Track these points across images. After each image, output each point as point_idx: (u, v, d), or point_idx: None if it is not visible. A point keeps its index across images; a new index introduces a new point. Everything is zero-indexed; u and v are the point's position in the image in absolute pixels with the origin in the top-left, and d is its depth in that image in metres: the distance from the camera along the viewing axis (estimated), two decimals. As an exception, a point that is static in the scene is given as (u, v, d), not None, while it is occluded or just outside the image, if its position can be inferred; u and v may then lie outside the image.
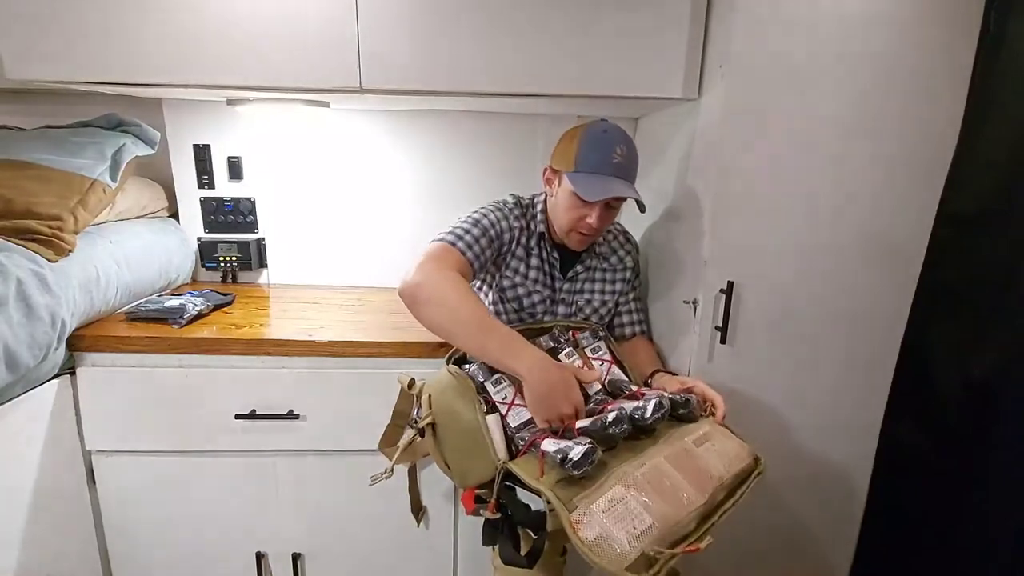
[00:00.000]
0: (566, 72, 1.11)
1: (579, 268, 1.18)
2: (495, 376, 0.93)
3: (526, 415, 0.89)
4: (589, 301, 1.19)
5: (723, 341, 1.07)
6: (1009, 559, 0.96)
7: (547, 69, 1.11)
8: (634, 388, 0.97)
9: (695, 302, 1.11)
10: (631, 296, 1.24)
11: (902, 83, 0.99)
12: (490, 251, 1.07)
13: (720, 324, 1.06)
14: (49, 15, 1.05)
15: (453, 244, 1.02)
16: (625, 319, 1.23)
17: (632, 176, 1.07)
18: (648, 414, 0.85)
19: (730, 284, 1.05)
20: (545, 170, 1.13)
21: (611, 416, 0.81)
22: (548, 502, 0.73)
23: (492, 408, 0.90)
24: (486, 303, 1.18)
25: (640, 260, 1.30)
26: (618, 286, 1.21)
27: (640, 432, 0.86)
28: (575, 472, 0.74)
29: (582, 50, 1.10)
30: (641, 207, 1.06)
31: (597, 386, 0.98)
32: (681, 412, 0.91)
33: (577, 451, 0.74)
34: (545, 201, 1.15)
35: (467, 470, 0.89)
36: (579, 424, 0.84)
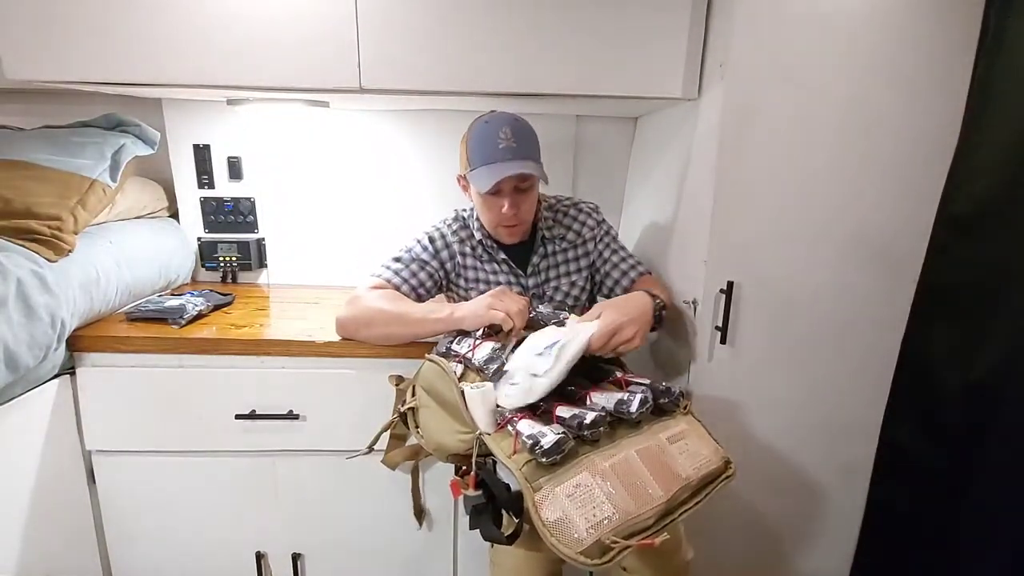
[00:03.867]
0: (566, 72, 1.11)
1: (535, 259, 1.18)
2: (457, 336, 1.02)
3: (489, 345, 0.95)
4: (557, 288, 1.20)
5: (723, 341, 1.07)
6: (1008, 560, 0.96)
7: (547, 69, 1.11)
8: (619, 374, 0.98)
9: (695, 302, 1.11)
10: (608, 254, 1.21)
11: (902, 83, 0.99)
12: (423, 273, 1.14)
13: (720, 324, 1.06)
14: (49, 15, 1.05)
15: (378, 276, 1.13)
16: (616, 275, 1.20)
17: (527, 153, 1.05)
18: (633, 409, 0.86)
19: (730, 284, 1.05)
20: (458, 180, 1.16)
21: (589, 417, 0.81)
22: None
23: (465, 370, 0.94)
24: None
25: (637, 252, 1.29)
26: (582, 262, 1.21)
27: (622, 422, 0.88)
28: (544, 460, 0.76)
29: (582, 50, 1.10)
30: (544, 179, 1.06)
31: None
32: (662, 401, 0.92)
33: (549, 439, 0.76)
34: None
35: (445, 441, 0.90)
36: (559, 412, 0.85)
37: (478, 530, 0.83)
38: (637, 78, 1.12)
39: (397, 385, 1.07)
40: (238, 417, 1.14)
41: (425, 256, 1.15)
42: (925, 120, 1.01)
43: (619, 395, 0.89)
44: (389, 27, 1.07)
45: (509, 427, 0.83)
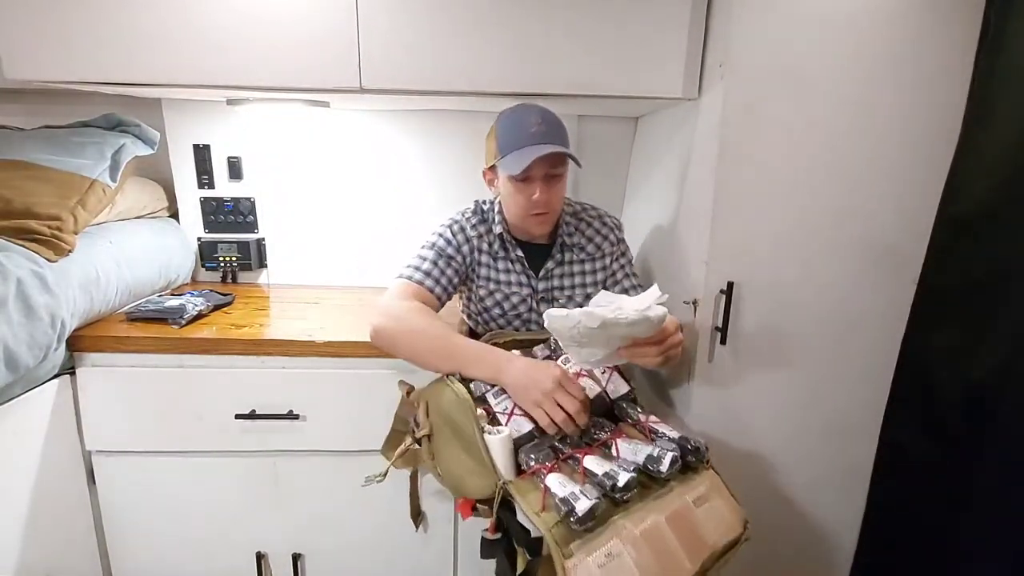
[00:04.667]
0: (567, 72, 1.11)
1: (550, 264, 1.16)
2: (496, 387, 0.93)
3: (526, 426, 0.88)
4: (571, 297, 1.17)
5: (723, 341, 1.07)
6: (1009, 560, 0.96)
7: (548, 69, 1.11)
8: (641, 417, 0.95)
9: (695, 302, 1.11)
10: (620, 276, 1.19)
11: (902, 83, 0.99)
12: (450, 270, 1.11)
13: (720, 324, 1.06)
14: (48, 15, 1.05)
15: (410, 278, 1.08)
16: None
17: (558, 139, 1.04)
18: (664, 468, 0.83)
19: (730, 284, 1.06)
20: (484, 174, 1.14)
21: (622, 480, 0.79)
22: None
23: (494, 419, 0.90)
24: (473, 318, 1.21)
25: (637, 257, 1.28)
26: (599, 276, 1.18)
27: (650, 479, 0.86)
28: (577, 527, 0.74)
29: (583, 50, 1.10)
30: (576, 163, 1.04)
31: (593, 389, 0.96)
32: (690, 459, 0.90)
33: (583, 506, 0.73)
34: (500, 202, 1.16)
35: (464, 483, 0.88)
36: (587, 464, 0.82)
37: (483, 551, 0.82)
38: (637, 78, 1.12)
39: (407, 395, 1.04)
40: (238, 417, 1.14)
41: (450, 251, 1.12)
42: (925, 120, 1.01)
43: (647, 449, 0.86)
44: (390, 27, 1.08)
45: (537, 478, 0.81)
